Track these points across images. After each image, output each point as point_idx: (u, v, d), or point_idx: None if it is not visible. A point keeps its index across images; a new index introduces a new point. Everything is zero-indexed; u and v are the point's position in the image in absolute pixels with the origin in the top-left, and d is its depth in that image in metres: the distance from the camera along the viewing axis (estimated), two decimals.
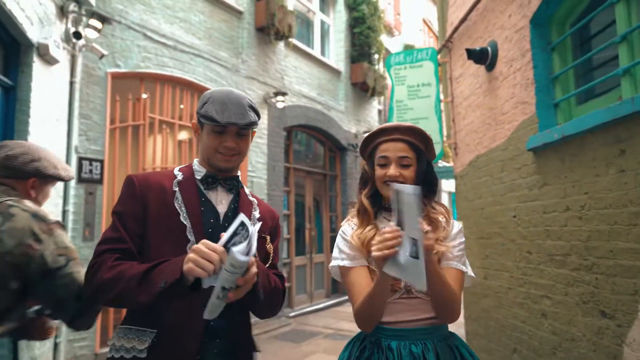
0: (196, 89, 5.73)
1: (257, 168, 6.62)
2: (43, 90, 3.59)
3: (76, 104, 4.19)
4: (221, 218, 1.28)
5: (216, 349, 1.19)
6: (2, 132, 3.30)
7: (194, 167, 1.34)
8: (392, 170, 1.34)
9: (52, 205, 3.57)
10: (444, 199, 14.25)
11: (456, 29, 4.24)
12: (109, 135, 4.66)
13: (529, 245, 3.15)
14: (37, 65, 3.49)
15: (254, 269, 1.07)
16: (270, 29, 6.66)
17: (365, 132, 9.01)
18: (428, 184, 1.42)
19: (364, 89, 9.33)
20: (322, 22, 9.09)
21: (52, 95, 3.80)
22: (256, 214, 1.36)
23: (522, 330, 3.28)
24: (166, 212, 1.22)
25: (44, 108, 3.62)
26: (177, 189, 1.27)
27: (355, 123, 9.19)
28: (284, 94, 6.87)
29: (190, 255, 1.02)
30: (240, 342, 1.27)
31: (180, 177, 1.30)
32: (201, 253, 1.01)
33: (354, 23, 9.25)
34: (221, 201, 1.30)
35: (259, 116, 1.32)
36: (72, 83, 4.14)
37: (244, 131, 1.28)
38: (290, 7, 7.42)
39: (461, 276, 1.36)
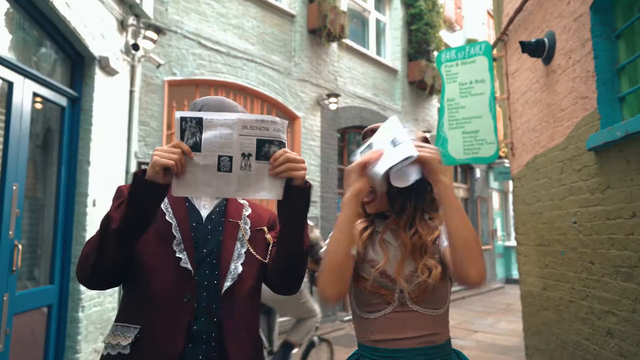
0: (249, 94, 5.88)
1: (309, 170, 6.64)
2: (104, 99, 3.87)
3: (135, 112, 4.46)
4: (204, 219, 1.28)
5: (201, 354, 1.16)
6: (68, 139, 3.61)
7: None
8: None
9: None
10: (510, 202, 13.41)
11: (512, 20, 3.94)
12: (166, 140, 4.92)
13: (591, 255, 2.85)
14: (99, 76, 3.77)
15: (286, 155, 1.07)
16: (323, 30, 6.67)
17: (425, 131, 8.71)
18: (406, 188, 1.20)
19: (421, 87, 9.04)
20: (378, 21, 8.93)
21: (113, 104, 4.08)
22: (247, 212, 1.36)
23: (585, 348, 2.97)
24: None
25: (106, 116, 3.89)
26: None
27: (413, 123, 8.92)
28: (336, 95, 6.84)
29: (154, 152, 1.05)
30: (238, 352, 1.20)
31: None
32: (162, 149, 1.03)
33: (410, 20, 9.00)
34: (204, 206, 1.30)
35: None
36: (131, 92, 4.42)
37: None
38: (344, 8, 7.38)
39: None
